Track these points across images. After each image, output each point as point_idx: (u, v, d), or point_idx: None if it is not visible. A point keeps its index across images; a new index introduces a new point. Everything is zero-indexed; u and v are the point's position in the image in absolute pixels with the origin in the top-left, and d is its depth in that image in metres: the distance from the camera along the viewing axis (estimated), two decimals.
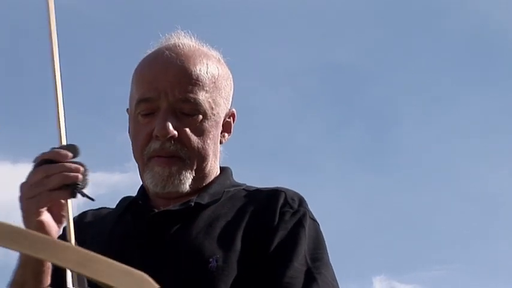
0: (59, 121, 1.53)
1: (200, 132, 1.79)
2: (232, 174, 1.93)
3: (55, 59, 1.55)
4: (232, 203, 1.81)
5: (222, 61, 1.89)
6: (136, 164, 1.85)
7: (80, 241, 1.55)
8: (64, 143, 1.53)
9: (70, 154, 1.53)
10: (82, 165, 1.53)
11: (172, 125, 1.75)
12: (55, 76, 1.55)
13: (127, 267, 1.13)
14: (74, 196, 1.51)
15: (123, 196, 1.94)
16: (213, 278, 1.66)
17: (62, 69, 1.56)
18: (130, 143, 1.85)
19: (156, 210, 1.79)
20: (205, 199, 1.80)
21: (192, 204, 1.78)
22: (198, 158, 1.80)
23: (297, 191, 1.85)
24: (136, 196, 1.89)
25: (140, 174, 1.84)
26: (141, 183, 1.87)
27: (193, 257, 1.70)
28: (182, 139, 1.77)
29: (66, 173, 1.51)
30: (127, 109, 1.88)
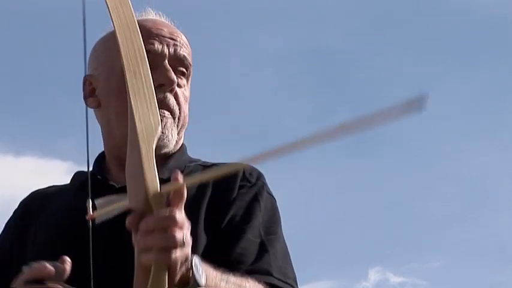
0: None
1: (185, 98, 1.78)
2: (186, 150, 1.89)
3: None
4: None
5: None
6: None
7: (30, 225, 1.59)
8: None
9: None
10: None
11: None
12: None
13: None
14: None
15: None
16: None
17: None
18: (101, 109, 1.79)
19: (116, 186, 1.73)
20: (165, 174, 1.74)
21: None
22: (182, 123, 1.78)
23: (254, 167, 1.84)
24: (93, 170, 1.80)
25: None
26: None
27: None
28: (177, 96, 1.75)
29: None
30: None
